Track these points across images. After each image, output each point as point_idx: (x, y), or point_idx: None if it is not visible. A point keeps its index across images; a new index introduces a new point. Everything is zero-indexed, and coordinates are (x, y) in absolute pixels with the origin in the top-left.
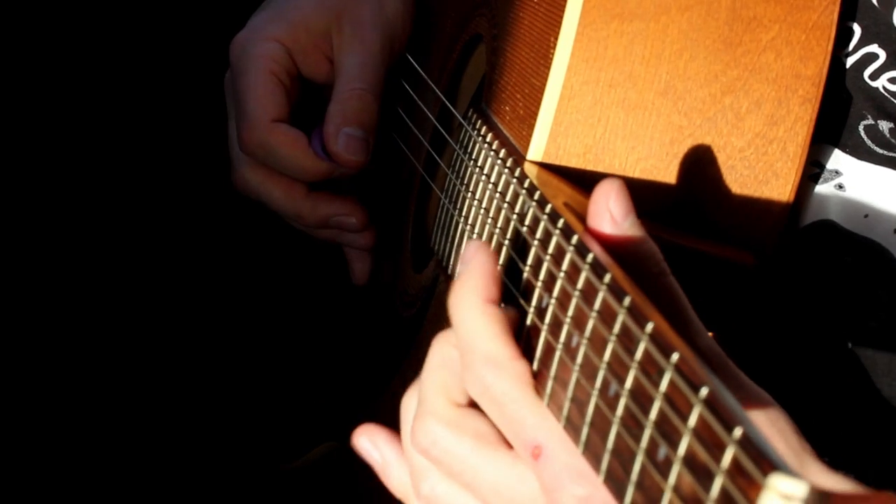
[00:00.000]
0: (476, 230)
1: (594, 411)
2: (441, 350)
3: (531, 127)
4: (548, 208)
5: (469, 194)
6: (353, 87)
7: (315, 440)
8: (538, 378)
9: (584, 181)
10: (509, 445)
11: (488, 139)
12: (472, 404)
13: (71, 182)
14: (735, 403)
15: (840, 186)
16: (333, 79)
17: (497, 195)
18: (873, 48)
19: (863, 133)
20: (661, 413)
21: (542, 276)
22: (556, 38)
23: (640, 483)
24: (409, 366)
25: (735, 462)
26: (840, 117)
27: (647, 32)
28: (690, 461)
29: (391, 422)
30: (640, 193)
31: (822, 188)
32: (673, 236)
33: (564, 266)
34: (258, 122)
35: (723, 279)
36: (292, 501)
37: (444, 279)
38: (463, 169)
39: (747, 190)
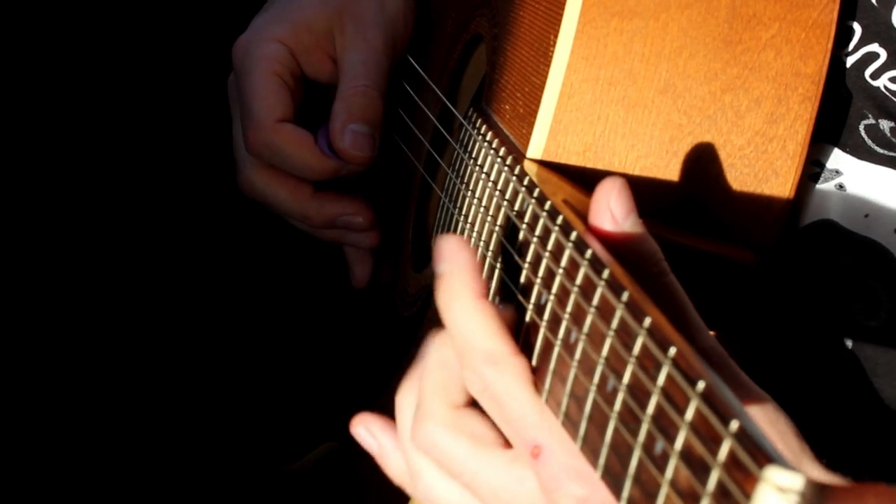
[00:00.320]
0: (476, 229)
1: (592, 406)
2: (438, 351)
3: (531, 125)
4: (547, 205)
5: (469, 193)
6: (357, 84)
7: (315, 440)
8: (537, 374)
9: (584, 179)
10: (507, 445)
11: (488, 138)
12: (472, 403)
13: (76, 185)
14: (732, 397)
15: (840, 186)
16: (337, 78)
17: (496, 193)
18: (874, 47)
19: (863, 132)
20: (659, 407)
21: (540, 272)
22: (556, 36)
23: (637, 477)
24: (409, 365)
25: (731, 455)
26: (840, 117)
27: (646, 30)
28: (687, 455)
29: (392, 421)
30: (640, 191)
31: (822, 188)
32: (672, 234)
33: (563, 262)
34: (263, 122)
35: (722, 277)
36: (292, 502)
37: None
38: (463, 168)
39: (747, 188)
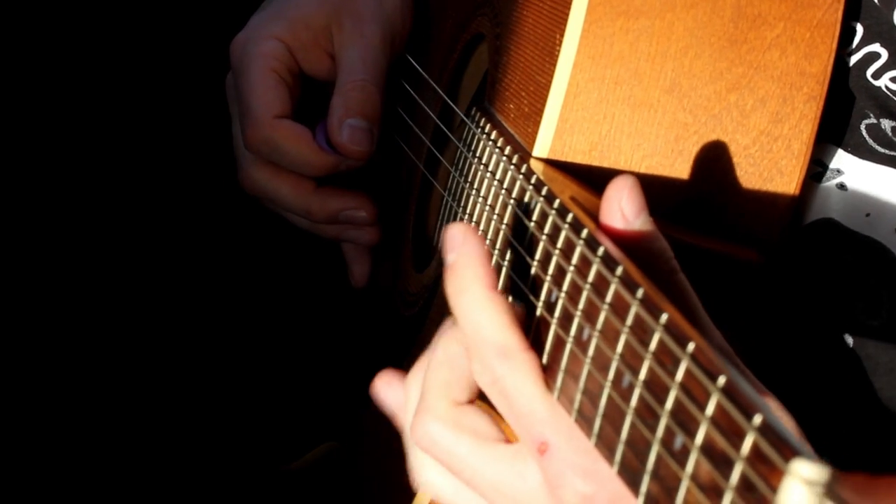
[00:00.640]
0: (482, 227)
1: (607, 403)
2: (446, 346)
3: (537, 124)
4: (556, 203)
5: (473, 192)
6: (354, 78)
7: (315, 440)
8: (548, 371)
9: (590, 178)
10: (508, 441)
11: (493, 137)
12: (480, 396)
13: (75, 186)
14: (752, 391)
15: (842, 185)
16: (335, 74)
17: (503, 192)
18: (875, 47)
19: (865, 132)
20: (678, 402)
21: (550, 270)
22: (562, 36)
23: (655, 472)
24: (410, 365)
25: (755, 449)
26: (842, 116)
27: (652, 30)
28: (709, 449)
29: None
30: (646, 190)
31: (823, 187)
32: (678, 233)
33: (574, 260)
34: (262, 119)
35: (727, 276)
36: (292, 501)
37: None
38: (467, 167)
39: (752, 187)
